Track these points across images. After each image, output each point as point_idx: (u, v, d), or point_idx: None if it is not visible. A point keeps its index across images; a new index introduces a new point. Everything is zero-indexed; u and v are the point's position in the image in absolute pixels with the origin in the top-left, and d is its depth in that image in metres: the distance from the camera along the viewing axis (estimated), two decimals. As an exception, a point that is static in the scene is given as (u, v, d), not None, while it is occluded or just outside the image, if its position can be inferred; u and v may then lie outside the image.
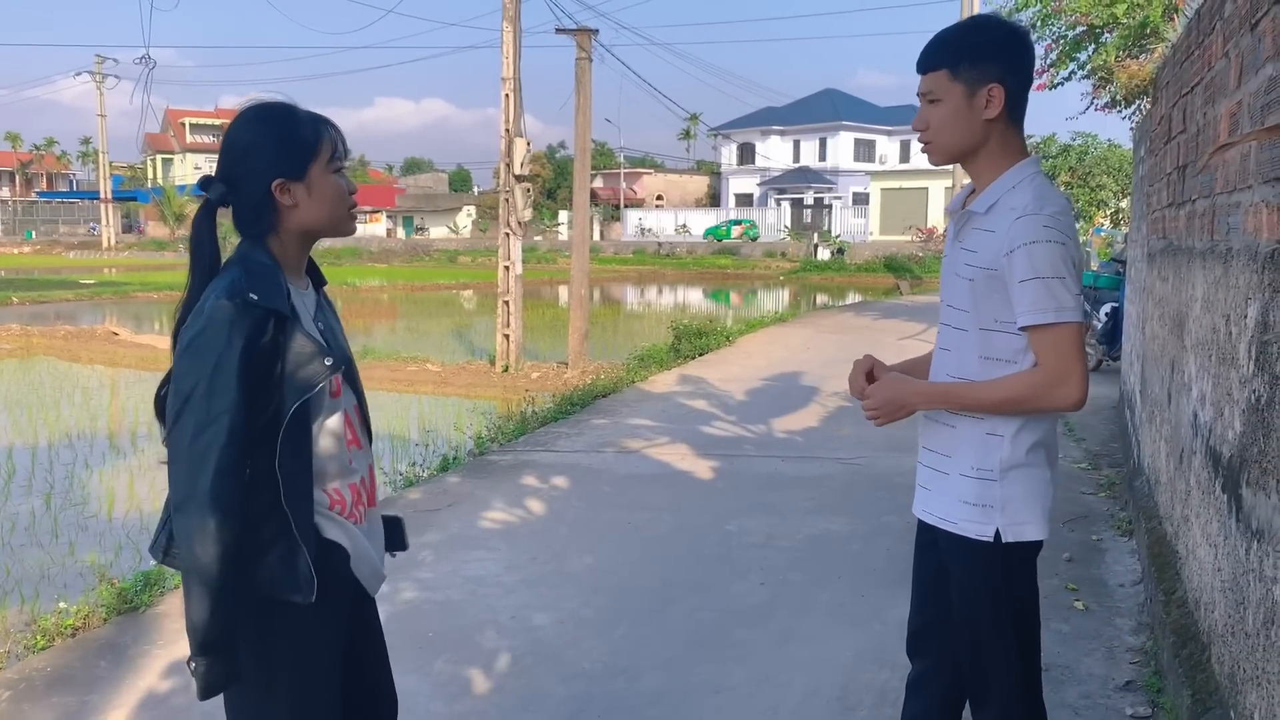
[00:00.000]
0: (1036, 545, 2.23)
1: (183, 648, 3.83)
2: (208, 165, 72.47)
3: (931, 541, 2.37)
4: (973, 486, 2.19)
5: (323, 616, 1.97)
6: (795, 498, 6.09)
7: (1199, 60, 3.90)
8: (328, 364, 1.98)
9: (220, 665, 1.82)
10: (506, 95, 14.23)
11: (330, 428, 2.04)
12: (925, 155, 2.32)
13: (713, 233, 53.60)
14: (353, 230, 2.12)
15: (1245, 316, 2.74)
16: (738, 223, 54.61)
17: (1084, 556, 4.98)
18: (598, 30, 14.56)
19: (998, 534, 2.17)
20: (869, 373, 2.38)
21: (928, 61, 2.20)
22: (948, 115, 2.18)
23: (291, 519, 1.89)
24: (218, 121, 75.08)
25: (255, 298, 1.88)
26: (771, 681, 3.66)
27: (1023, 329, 2.11)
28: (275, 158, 1.96)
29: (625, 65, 64.79)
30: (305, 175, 1.98)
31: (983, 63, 2.13)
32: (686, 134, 68.94)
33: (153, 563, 5.11)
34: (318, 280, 2.15)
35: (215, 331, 1.84)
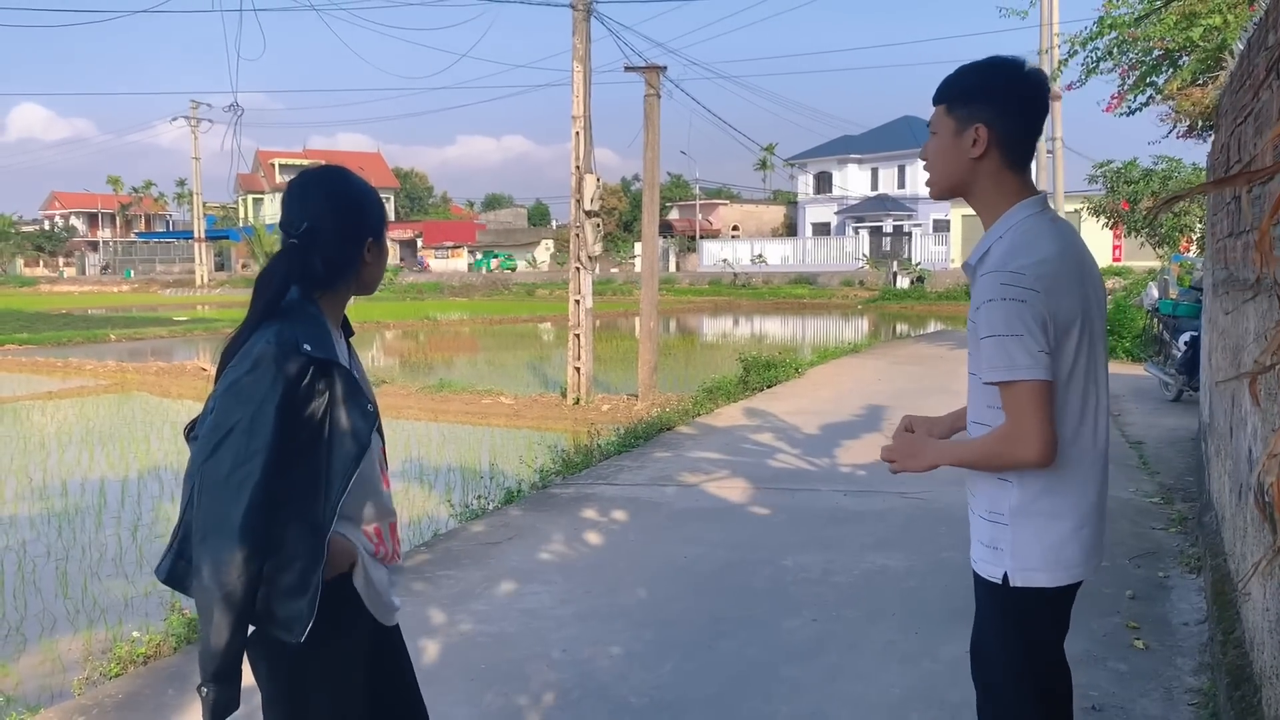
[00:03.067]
0: (1057, 592, 2.21)
1: (246, 677, 3.99)
2: (297, 205, 75.28)
3: None
4: (987, 528, 2.23)
5: (346, 649, 2.07)
6: (854, 533, 6.06)
7: (1249, 90, 3.86)
8: (371, 409, 2.10)
9: (229, 692, 1.91)
10: (577, 133, 14.47)
11: (371, 470, 2.16)
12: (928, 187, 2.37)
13: (478, 265, 61.95)
14: (375, 290, 2.27)
15: (1285, 352, 2.70)
16: (494, 256, 62.97)
17: (1148, 594, 4.86)
18: (666, 67, 14.74)
19: (1005, 577, 2.19)
20: (908, 428, 2.49)
21: (936, 96, 2.26)
22: (939, 149, 2.24)
23: (318, 560, 1.98)
24: (306, 162, 77.55)
25: (309, 348, 2.00)
26: (818, 718, 3.66)
27: (987, 384, 2.12)
28: (370, 218, 2.16)
29: (695, 100, 65.15)
30: (382, 238, 2.18)
31: (972, 103, 2.16)
32: (763, 164, 68.81)
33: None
34: (347, 331, 2.27)
35: (262, 374, 1.95)
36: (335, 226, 2.11)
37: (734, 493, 7.11)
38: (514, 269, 60.93)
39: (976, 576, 2.30)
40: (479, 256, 64.64)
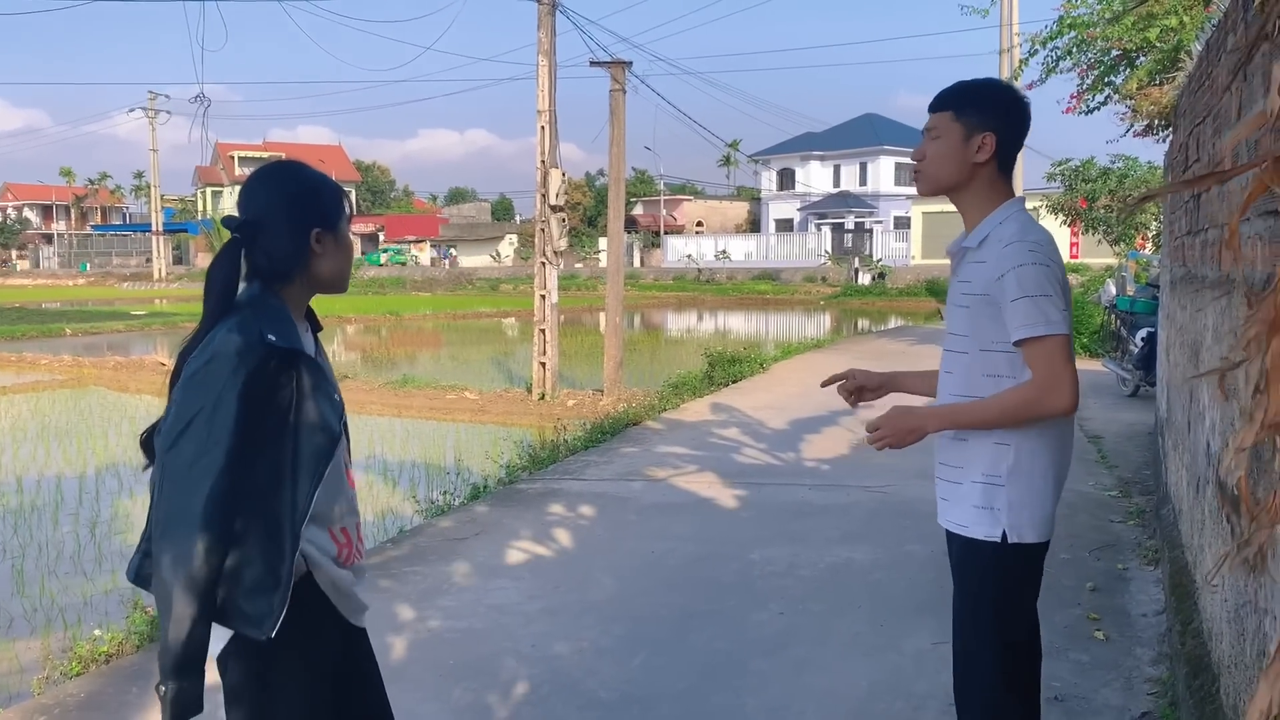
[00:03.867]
0: (1039, 548, 2.45)
1: (211, 676, 3.95)
2: (256, 198, 74.40)
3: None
4: (981, 492, 2.40)
5: (316, 650, 2.06)
6: (820, 526, 6.11)
7: (1209, 91, 3.92)
8: (338, 399, 2.08)
9: (190, 691, 1.85)
10: (542, 127, 14.43)
11: (337, 469, 2.14)
12: (916, 184, 2.61)
13: (370, 260, 62.56)
14: (346, 288, 2.22)
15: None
16: (385, 251, 65.09)
17: (1108, 586, 4.95)
18: (631, 62, 14.75)
19: (1004, 535, 2.37)
20: (857, 388, 2.79)
21: (939, 102, 2.50)
22: (944, 151, 2.47)
23: (283, 556, 1.95)
24: (266, 155, 76.62)
25: (273, 338, 1.96)
26: (786, 711, 3.69)
27: (1016, 344, 2.33)
28: (317, 208, 2.11)
29: (660, 96, 65.24)
30: (336, 228, 2.13)
31: (983, 113, 2.44)
32: (727, 160, 69.08)
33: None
34: (314, 326, 2.24)
35: (222, 364, 1.91)
36: (277, 218, 2.07)
37: (701, 487, 7.14)
38: (404, 264, 61.90)
39: (963, 542, 2.46)
40: (371, 251, 65.55)
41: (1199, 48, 4.82)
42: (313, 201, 2.12)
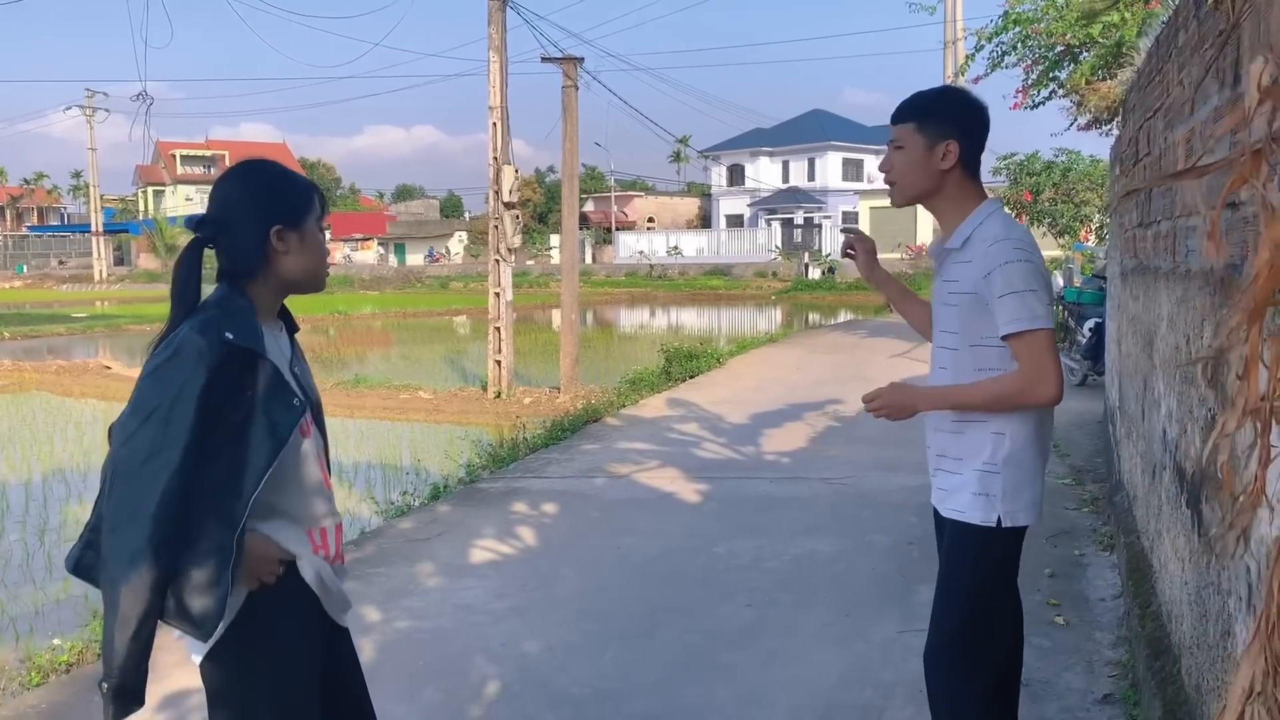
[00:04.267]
0: (1025, 530, 2.59)
1: (175, 681, 3.90)
2: (199, 196, 72.28)
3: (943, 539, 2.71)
4: (978, 479, 2.51)
5: (302, 649, 2.05)
6: (783, 519, 6.16)
7: (1159, 86, 4.02)
8: (296, 404, 2.05)
9: (132, 690, 1.85)
10: (494, 124, 14.36)
11: (310, 469, 2.12)
12: (890, 196, 2.69)
13: None
14: (323, 286, 2.20)
15: (1202, 336, 2.83)
16: None
17: (1066, 572, 5.05)
18: (583, 58, 14.72)
19: (999, 520, 2.49)
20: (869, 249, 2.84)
21: (900, 115, 2.59)
22: (909, 162, 2.57)
23: (230, 555, 1.92)
24: (209, 153, 75.42)
25: (231, 336, 1.95)
26: (757, 702, 3.72)
27: (1003, 338, 2.42)
28: (277, 206, 2.08)
29: (612, 92, 65.22)
30: (301, 226, 2.10)
31: (944, 122, 2.53)
32: (677, 156, 69.23)
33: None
34: (290, 327, 2.22)
35: (182, 362, 1.90)
36: (236, 216, 2.06)
37: (664, 482, 7.16)
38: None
39: (959, 527, 2.56)
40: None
41: (1148, 43, 4.92)
42: (274, 199, 2.09)
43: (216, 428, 1.91)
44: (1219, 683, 2.43)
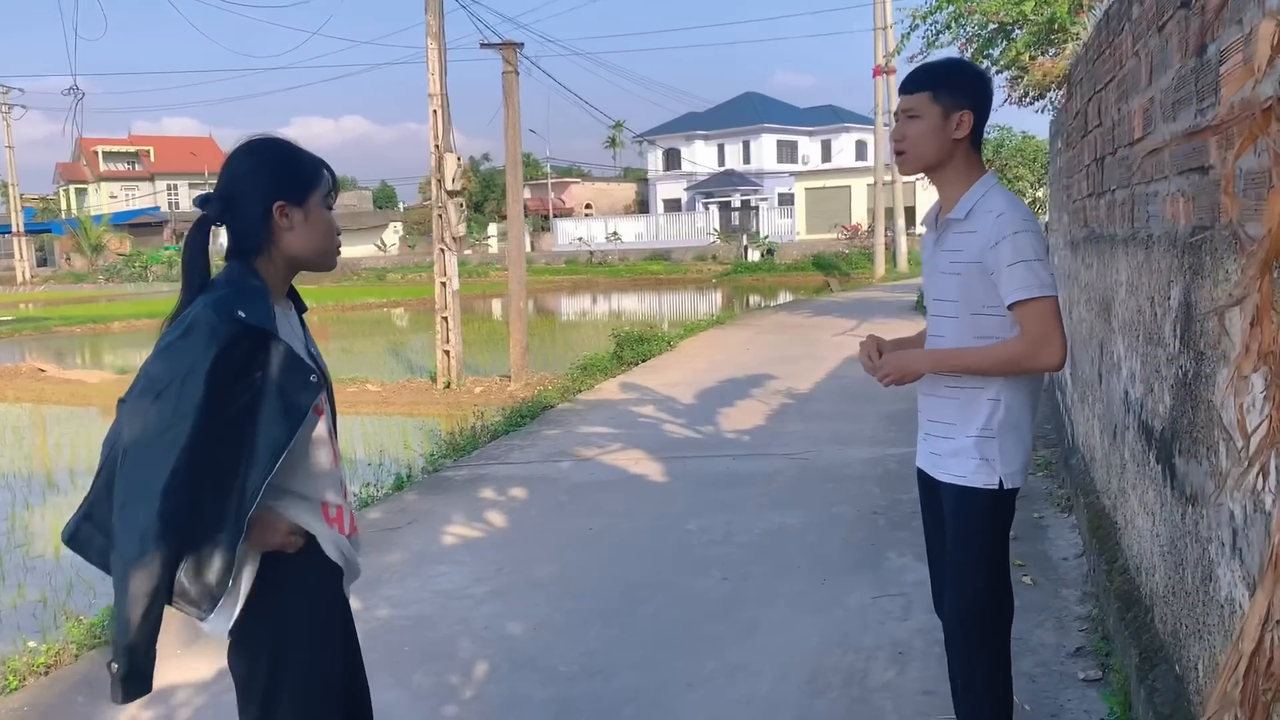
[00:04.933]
0: (1017, 492, 2.70)
1: (160, 677, 3.83)
2: (124, 194, 70.36)
3: (935, 504, 2.78)
4: (977, 445, 2.59)
5: (331, 622, 2.09)
6: (749, 494, 6.25)
7: (1110, 59, 4.14)
8: (313, 380, 2.06)
9: (141, 669, 1.85)
10: (434, 111, 14.23)
11: (324, 448, 2.13)
12: (899, 164, 2.73)
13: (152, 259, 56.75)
14: (334, 265, 2.20)
15: (1169, 298, 2.95)
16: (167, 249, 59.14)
17: (1027, 534, 5.20)
18: (523, 44, 14.63)
19: (1000, 482, 2.58)
20: (878, 348, 2.81)
21: (914, 84, 2.63)
22: (925, 130, 2.61)
23: (238, 534, 1.93)
24: (132, 149, 73.42)
25: (243, 315, 1.95)
26: (744, 671, 3.79)
27: (1011, 305, 2.49)
28: (280, 181, 2.07)
29: (553, 78, 64.79)
30: (305, 202, 2.09)
31: (959, 92, 2.59)
32: (612, 142, 68.99)
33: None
34: (299, 306, 2.23)
35: (194, 339, 1.90)
36: (240, 192, 2.07)
37: (629, 464, 7.21)
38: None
39: (961, 491, 2.64)
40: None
41: (1094, 18, 5.06)
42: (277, 175, 2.09)
43: (227, 406, 1.91)
44: (1199, 625, 2.55)
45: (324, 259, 2.16)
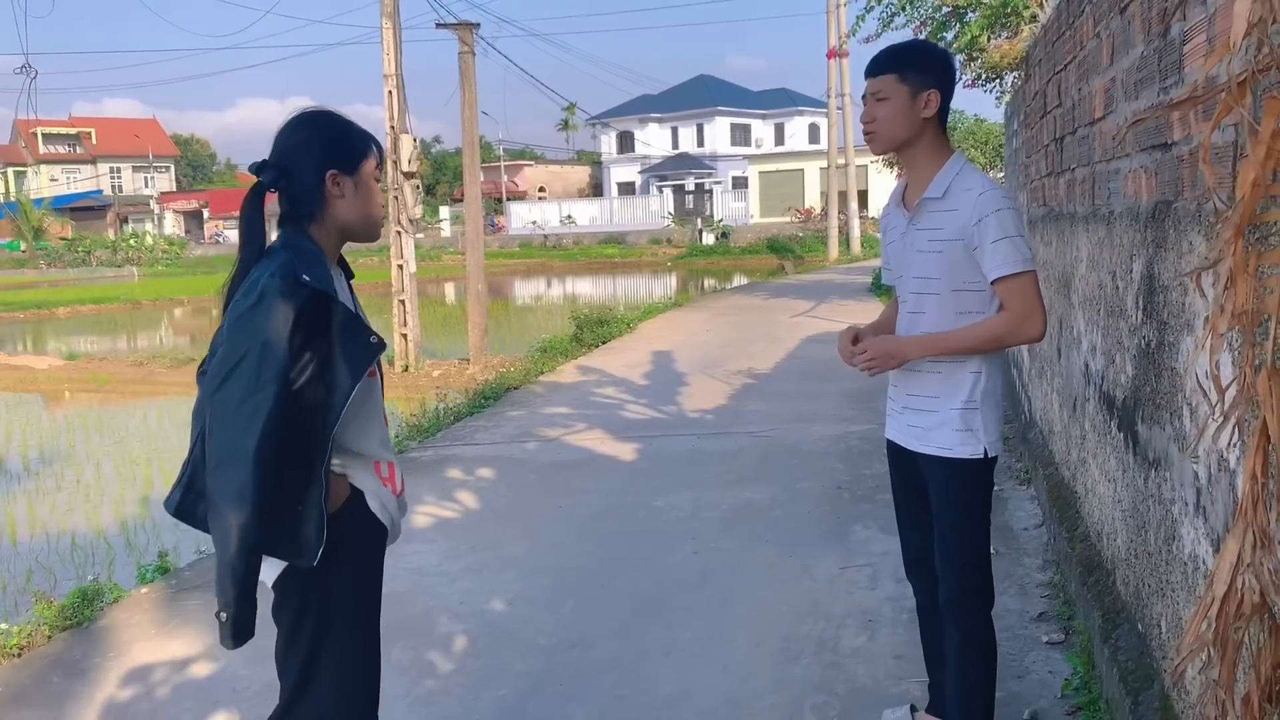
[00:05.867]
0: (997, 459, 2.78)
1: (135, 657, 3.86)
2: (65, 177, 68.66)
3: (910, 476, 2.84)
4: (961, 416, 2.66)
5: (373, 577, 2.24)
6: (715, 471, 6.33)
7: (1071, 40, 4.25)
8: (373, 340, 2.17)
9: (246, 614, 1.97)
10: (390, 92, 14.11)
11: (377, 407, 2.25)
12: (869, 144, 2.76)
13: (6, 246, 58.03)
14: (379, 235, 2.31)
15: (1131, 271, 3.06)
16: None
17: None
18: (479, 24, 14.55)
19: (985, 451, 2.66)
20: (855, 338, 2.84)
21: (880, 67, 2.67)
22: (893, 111, 2.65)
23: (323, 488, 2.05)
24: (73, 131, 71.68)
25: (308, 279, 2.05)
26: (718, 639, 3.88)
27: (995, 281, 2.55)
28: (333, 150, 2.17)
29: (509, 60, 64.45)
30: (357, 172, 2.18)
31: (925, 72, 2.64)
32: (565, 124, 68.83)
33: (89, 578, 5.05)
34: (347, 273, 2.33)
35: (267, 307, 1.99)
36: (294, 160, 2.15)
37: (595, 443, 7.27)
38: (16, 248, 57.20)
39: (945, 463, 2.69)
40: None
41: (1052, 1, 5.17)
42: (330, 144, 2.18)
43: (303, 367, 2.03)
44: (1162, 584, 2.66)
45: (372, 228, 2.26)
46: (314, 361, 2.05)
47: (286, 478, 2.00)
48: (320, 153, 2.15)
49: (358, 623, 2.21)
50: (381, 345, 2.19)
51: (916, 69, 2.63)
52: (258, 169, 2.15)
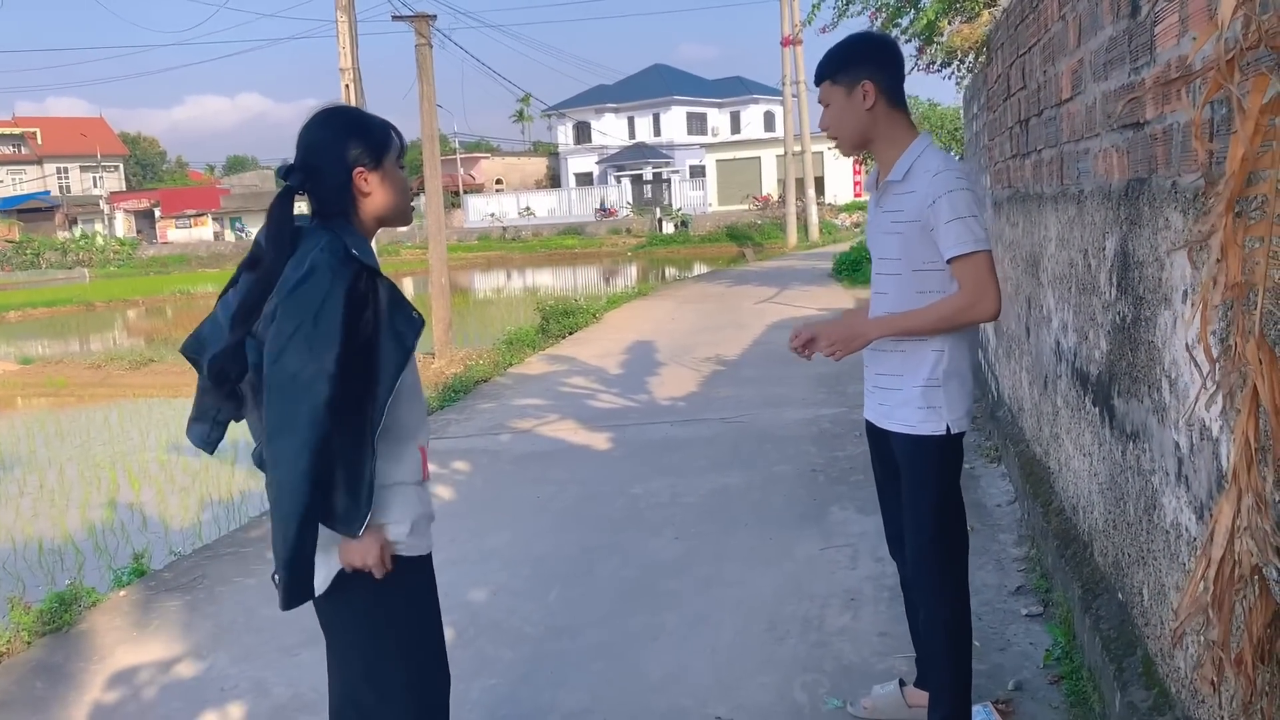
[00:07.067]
0: (963, 436, 2.83)
1: (119, 660, 3.83)
2: (9, 178, 67.16)
3: (886, 454, 2.89)
4: (922, 394, 2.71)
5: (425, 567, 2.29)
6: (690, 458, 6.37)
7: (1035, 23, 4.31)
8: (415, 316, 2.20)
9: (302, 579, 2.03)
10: (346, 86, 14.00)
11: (419, 383, 2.28)
12: (838, 149, 2.87)
13: None
14: (410, 220, 2.33)
15: (1103, 249, 3.12)
16: None
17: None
18: (436, 16, 14.45)
19: (948, 428, 2.71)
20: (801, 329, 2.86)
21: (818, 77, 2.74)
22: (838, 114, 2.73)
23: (372, 455, 2.08)
24: (17, 131, 70.12)
25: (356, 253, 2.08)
26: (705, 622, 3.91)
27: (949, 261, 2.59)
28: (357, 148, 2.18)
29: (466, 51, 63.94)
30: (381, 165, 2.21)
31: (852, 67, 2.69)
32: (521, 115, 68.47)
33: (65, 583, 4.98)
34: None
35: (320, 278, 2.03)
36: (319, 163, 2.18)
37: (568, 433, 7.28)
38: None
39: (911, 440, 2.75)
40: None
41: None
42: (353, 142, 2.20)
43: (356, 339, 2.06)
44: (1143, 553, 2.73)
45: (402, 215, 2.29)
46: (367, 332, 2.08)
47: (342, 445, 2.04)
48: (345, 152, 2.18)
49: (417, 625, 2.27)
50: (423, 321, 2.22)
51: (842, 67, 2.69)
52: (285, 173, 2.18)
